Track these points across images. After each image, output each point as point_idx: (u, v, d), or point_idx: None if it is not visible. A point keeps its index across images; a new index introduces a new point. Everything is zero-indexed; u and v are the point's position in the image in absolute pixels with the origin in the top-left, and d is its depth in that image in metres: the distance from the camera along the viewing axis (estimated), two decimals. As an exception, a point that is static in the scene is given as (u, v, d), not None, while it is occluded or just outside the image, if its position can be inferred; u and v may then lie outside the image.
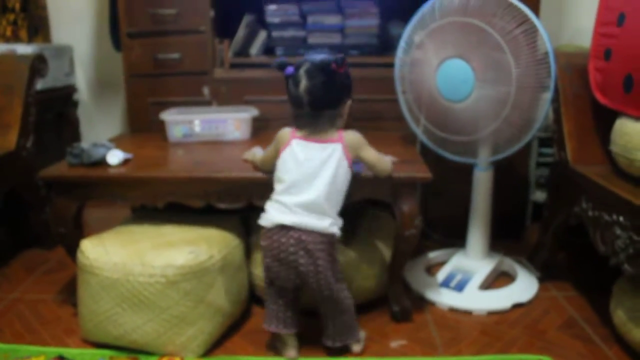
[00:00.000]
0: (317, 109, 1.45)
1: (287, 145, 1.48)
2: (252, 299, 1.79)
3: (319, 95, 1.44)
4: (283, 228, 1.43)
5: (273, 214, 1.46)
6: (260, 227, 1.49)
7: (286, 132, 1.51)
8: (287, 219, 1.43)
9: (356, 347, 1.56)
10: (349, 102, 1.52)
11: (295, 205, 1.43)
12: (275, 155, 1.52)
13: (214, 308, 1.55)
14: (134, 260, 1.50)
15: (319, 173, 1.44)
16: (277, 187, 1.49)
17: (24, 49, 2.32)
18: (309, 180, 1.44)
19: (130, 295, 1.48)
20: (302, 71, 1.45)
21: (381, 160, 1.54)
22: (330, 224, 1.45)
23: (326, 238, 1.45)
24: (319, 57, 1.47)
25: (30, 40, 2.56)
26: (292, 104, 1.48)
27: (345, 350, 1.56)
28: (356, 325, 1.56)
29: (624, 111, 1.62)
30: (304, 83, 1.43)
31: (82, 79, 2.82)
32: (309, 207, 1.43)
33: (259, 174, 1.60)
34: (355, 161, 1.52)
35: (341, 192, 1.49)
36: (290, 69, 1.47)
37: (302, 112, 1.46)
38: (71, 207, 1.66)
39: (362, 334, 1.59)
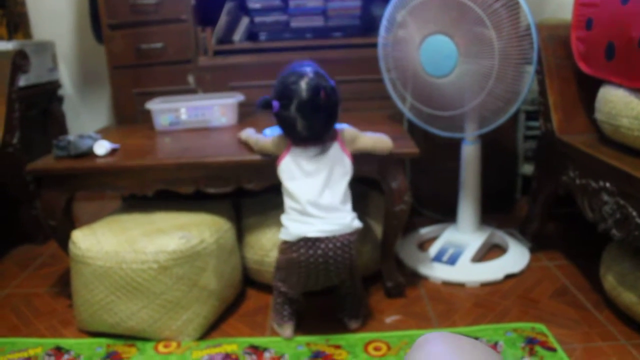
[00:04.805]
0: (320, 137, 1.46)
1: (286, 153, 1.47)
2: (246, 281, 1.80)
3: (321, 128, 1.45)
4: (308, 240, 1.42)
5: (294, 227, 1.43)
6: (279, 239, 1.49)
7: (284, 139, 1.49)
8: (310, 230, 1.41)
9: (354, 324, 1.57)
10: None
11: (313, 212, 1.42)
12: (271, 151, 1.52)
13: (208, 291, 1.55)
14: (125, 248, 1.50)
15: (326, 175, 1.45)
16: (288, 198, 1.48)
17: (5, 45, 2.29)
18: (319, 184, 1.44)
19: (124, 283, 1.48)
20: (293, 110, 1.41)
21: (378, 142, 1.54)
22: (352, 219, 1.46)
23: (352, 236, 1.46)
24: (303, 89, 1.40)
25: (10, 37, 2.54)
26: (291, 136, 1.47)
27: (342, 326, 1.57)
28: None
29: (606, 79, 1.63)
30: (301, 122, 1.42)
31: (65, 74, 2.79)
32: (327, 209, 1.43)
33: (247, 157, 1.60)
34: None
35: (348, 186, 1.49)
36: (276, 105, 1.43)
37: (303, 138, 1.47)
38: (60, 199, 1.66)
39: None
